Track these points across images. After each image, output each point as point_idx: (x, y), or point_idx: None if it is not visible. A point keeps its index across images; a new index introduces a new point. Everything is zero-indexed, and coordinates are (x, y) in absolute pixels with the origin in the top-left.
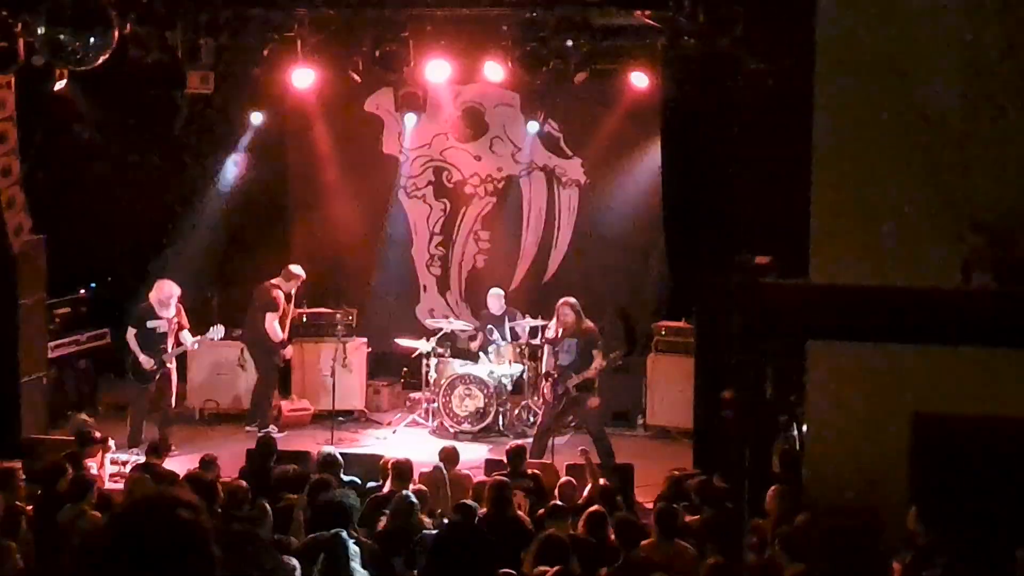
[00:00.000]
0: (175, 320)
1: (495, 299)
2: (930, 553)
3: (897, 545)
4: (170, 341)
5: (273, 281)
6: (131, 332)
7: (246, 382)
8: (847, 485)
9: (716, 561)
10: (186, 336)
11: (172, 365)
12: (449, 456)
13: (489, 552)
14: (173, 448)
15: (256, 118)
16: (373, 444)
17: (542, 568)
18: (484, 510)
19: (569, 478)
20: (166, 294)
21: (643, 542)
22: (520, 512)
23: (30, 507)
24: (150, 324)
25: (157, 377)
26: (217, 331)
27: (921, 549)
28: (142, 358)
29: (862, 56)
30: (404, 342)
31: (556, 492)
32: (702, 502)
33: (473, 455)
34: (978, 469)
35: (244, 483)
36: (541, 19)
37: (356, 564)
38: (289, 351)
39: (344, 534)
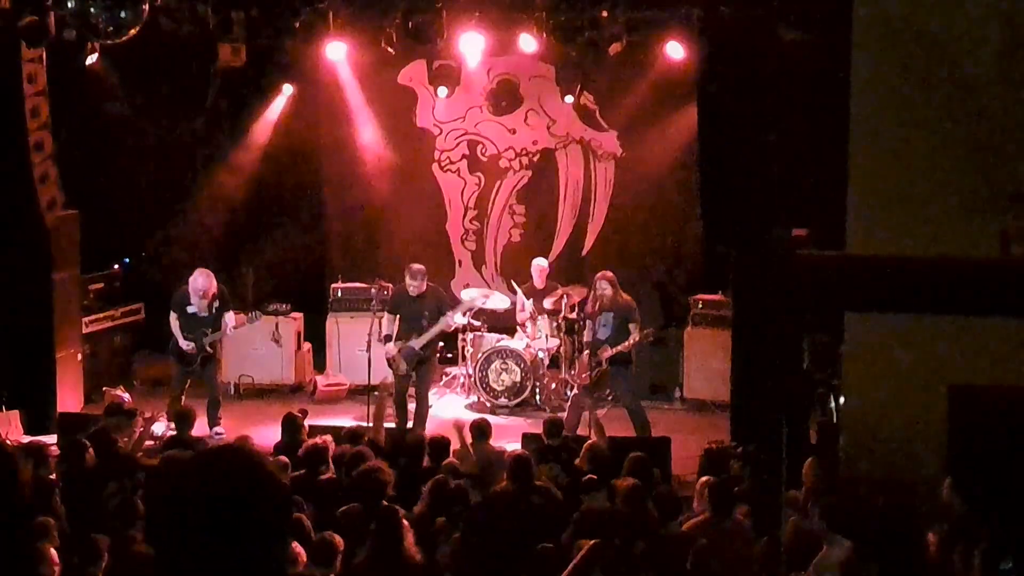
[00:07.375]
0: (215, 306)
1: (539, 270)
2: (965, 525)
3: (933, 517)
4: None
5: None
6: (173, 316)
7: (281, 357)
8: (884, 457)
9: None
10: (229, 317)
11: (213, 349)
12: (481, 430)
13: (527, 526)
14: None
15: (287, 90)
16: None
17: (581, 541)
18: (505, 484)
19: (595, 440)
20: (200, 287)
21: (696, 519)
22: (550, 485)
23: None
24: (190, 309)
25: (199, 360)
26: (256, 316)
27: (956, 521)
28: (183, 343)
29: (900, 27)
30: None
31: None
32: (744, 473)
33: (510, 429)
34: (1015, 441)
35: None
36: None
37: (410, 538)
38: None
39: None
